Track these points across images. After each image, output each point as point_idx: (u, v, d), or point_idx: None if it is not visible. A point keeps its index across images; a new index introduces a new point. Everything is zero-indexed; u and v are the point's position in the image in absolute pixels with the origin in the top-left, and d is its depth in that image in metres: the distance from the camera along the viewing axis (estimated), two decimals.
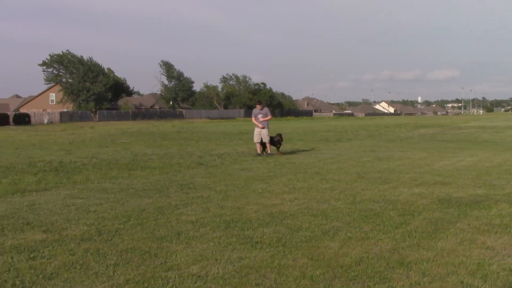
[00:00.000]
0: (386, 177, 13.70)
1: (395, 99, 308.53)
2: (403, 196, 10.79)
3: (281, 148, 21.70)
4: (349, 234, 7.58)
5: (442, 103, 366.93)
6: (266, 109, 21.66)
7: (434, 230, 7.82)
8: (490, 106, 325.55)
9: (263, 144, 21.02)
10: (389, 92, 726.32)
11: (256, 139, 20.99)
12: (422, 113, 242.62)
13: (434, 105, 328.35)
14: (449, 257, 6.53)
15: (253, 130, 21.31)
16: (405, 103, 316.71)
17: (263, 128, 20.84)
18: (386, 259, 6.44)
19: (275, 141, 21.38)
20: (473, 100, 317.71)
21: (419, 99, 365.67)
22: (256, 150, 21.15)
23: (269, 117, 21.47)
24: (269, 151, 20.98)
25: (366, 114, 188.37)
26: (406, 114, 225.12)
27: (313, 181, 13.17)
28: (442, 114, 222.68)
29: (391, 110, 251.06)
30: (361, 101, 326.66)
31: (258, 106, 21.67)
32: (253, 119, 21.57)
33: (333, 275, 5.89)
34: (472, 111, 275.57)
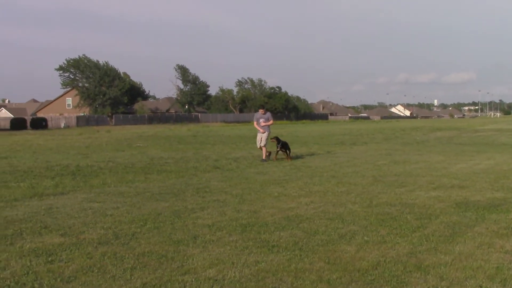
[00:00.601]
0: (402, 181, 13.64)
1: (411, 102, 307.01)
2: (420, 199, 10.74)
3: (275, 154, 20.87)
4: (366, 238, 7.56)
5: (458, 106, 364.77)
6: (268, 114, 21.46)
7: (452, 234, 7.78)
8: (507, 109, 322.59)
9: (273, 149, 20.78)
10: (405, 95, 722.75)
11: (259, 143, 20.83)
12: (438, 116, 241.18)
13: (450, 108, 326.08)
14: (467, 261, 6.49)
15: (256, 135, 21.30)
16: (421, 106, 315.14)
17: (263, 132, 20.65)
18: (403, 263, 6.41)
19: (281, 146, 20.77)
20: (490, 102, 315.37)
21: (435, 102, 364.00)
22: (263, 155, 20.72)
23: (271, 122, 21.23)
24: (263, 157, 20.42)
25: (382, 117, 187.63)
26: (422, 117, 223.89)
27: (329, 184, 13.14)
28: (458, 117, 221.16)
29: (407, 113, 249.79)
30: (377, 104, 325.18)
31: (261, 111, 21.45)
32: (254, 123, 21.35)
33: (350, 279, 5.87)
34: (489, 113, 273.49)
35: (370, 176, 14.73)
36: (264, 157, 20.36)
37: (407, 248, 7.04)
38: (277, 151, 20.62)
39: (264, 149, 20.53)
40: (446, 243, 7.29)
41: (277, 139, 20.63)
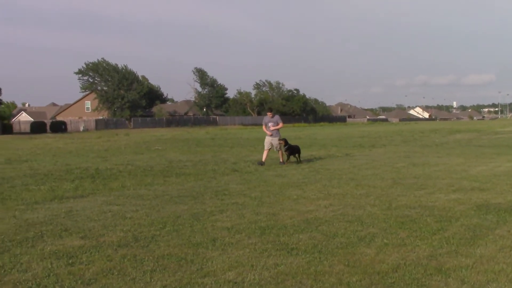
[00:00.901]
0: (422, 183, 13.56)
1: (430, 104, 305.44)
2: (440, 202, 10.66)
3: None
4: (385, 241, 7.52)
5: (478, 108, 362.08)
6: (277, 117, 20.90)
7: (473, 237, 7.71)
8: None
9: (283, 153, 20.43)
10: (424, 97, 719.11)
11: (267, 146, 20.43)
12: (457, 118, 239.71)
13: (469, 110, 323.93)
14: (489, 264, 6.43)
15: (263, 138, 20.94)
16: (440, 108, 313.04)
17: (271, 135, 20.32)
18: (423, 266, 6.37)
19: (290, 149, 20.56)
20: (510, 104, 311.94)
21: (455, 104, 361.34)
22: (262, 157, 20.27)
23: (280, 125, 20.66)
24: (281, 160, 20.22)
25: (400, 120, 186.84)
26: (441, 119, 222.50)
27: (348, 187, 13.10)
28: (478, 119, 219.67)
29: (426, 115, 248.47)
30: (395, 106, 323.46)
31: (269, 114, 20.96)
32: (263, 127, 20.95)
33: (370, 282, 5.85)
34: (509, 115, 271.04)
35: (389, 178, 14.66)
36: (281, 160, 20.19)
37: (427, 251, 6.99)
38: (287, 156, 20.34)
39: (280, 153, 20.34)
40: (467, 245, 7.23)
41: (285, 141, 20.32)
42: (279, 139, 20.23)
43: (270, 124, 20.49)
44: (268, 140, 20.35)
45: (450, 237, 7.66)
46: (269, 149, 20.32)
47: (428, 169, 17.14)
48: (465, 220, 8.85)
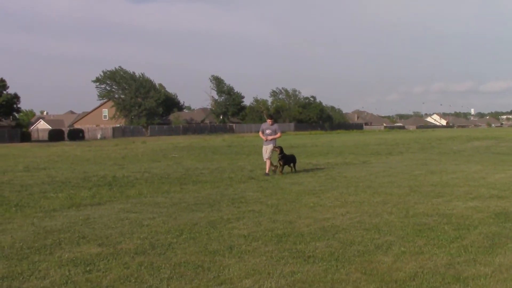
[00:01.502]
0: (439, 191, 13.47)
1: (447, 112, 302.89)
2: (458, 210, 10.59)
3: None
4: (402, 249, 7.48)
5: (496, 115, 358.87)
6: (276, 126, 19.77)
7: (491, 245, 7.64)
8: None
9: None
10: (441, 105, 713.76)
11: (263, 157, 19.57)
12: (475, 125, 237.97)
13: (488, 117, 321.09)
14: (508, 273, 6.37)
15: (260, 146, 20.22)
16: (457, 115, 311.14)
17: (266, 140, 19.34)
18: (441, 274, 6.32)
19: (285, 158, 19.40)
20: None
21: (472, 111, 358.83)
22: (266, 169, 19.17)
23: (278, 135, 19.56)
24: (267, 170, 18.93)
25: (418, 127, 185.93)
26: (458, 126, 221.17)
27: (365, 194, 13.05)
28: (496, 126, 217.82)
29: (443, 122, 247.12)
30: (412, 113, 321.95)
31: (269, 121, 19.92)
32: (260, 133, 19.95)
33: None
34: None
35: (406, 186, 14.58)
36: (267, 171, 18.89)
37: (445, 259, 6.95)
38: (281, 165, 19.07)
39: (268, 162, 19.11)
40: (485, 254, 7.17)
41: (281, 150, 19.14)
42: (274, 147, 19.18)
43: (267, 131, 19.46)
44: (264, 149, 19.46)
45: (468, 246, 7.60)
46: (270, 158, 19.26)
47: (446, 176, 17.04)
48: (484, 228, 8.78)
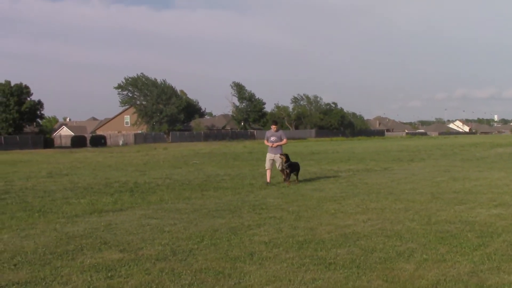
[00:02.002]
0: (462, 198, 13.35)
1: (470, 118, 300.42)
2: (481, 217, 10.47)
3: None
4: (424, 256, 7.42)
5: None
6: (281, 132, 18.87)
7: None
8: None
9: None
10: (464, 111, 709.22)
11: (268, 165, 18.20)
12: (498, 132, 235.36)
13: (511, 124, 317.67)
14: None
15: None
16: (480, 121, 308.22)
17: (272, 145, 18.21)
18: (464, 282, 6.26)
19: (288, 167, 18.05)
20: None
21: (496, 118, 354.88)
22: (266, 178, 18.21)
23: (284, 141, 18.61)
24: (268, 180, 18.02)
25: (440, 133, 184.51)
26: (481, 133, 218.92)
27: (386, 201, 12.97)
28: None
29: (466, 129, 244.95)
30: (434, 120, 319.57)
31: (273, 128, 18.85)
32: (265, 141, 18.81)
33: None
34: None
35: (428, 193, 14.47)
36: (268, 180, 17.98)
37: (468, 267, 6.87)
38: (287, 173, 17.88)
39: (268, 172, 18.17)
40: (509, 262, 7.08)
41: (287, 157, 18.08)
42: (280, 154, 18.07)
43: (272, 138, 18.36)
44: (269, 157, 18.23)
45: (491, 253, 7.51)
46: (271, 168, 18.16)
47: (469, 183, 16.88)
48: (508, 236, 8.67)
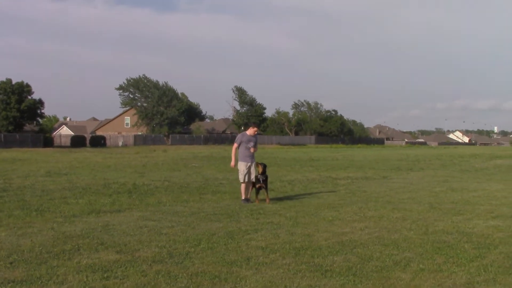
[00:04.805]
0: (460, 209, 13.34)
1: (470, 129, 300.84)
2: (478, 228, 10.47)
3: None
4: (421, 266, 7.41)
5: None
6: (257, 137, 15.41)
7: None
8: None
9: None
10: (464, 122, 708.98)
11: (244, 177, 14.63)
12: (498, 143, 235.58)
13: (511, 135, 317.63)
14: None
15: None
16: (480, 132, 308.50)
17: (250, 149, 14.81)
18: None
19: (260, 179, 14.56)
20: None
21: (496, 129, 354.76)
22: (241, 193, 14.76)
23: (256, 148, 15.17)
24: (248, 195, 14.63)
25: (439, 143, 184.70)
26: (481, 144, 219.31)
27: (384, 210, 12.97)
28: None
29: (466, 139, 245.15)
30: (434, 130, 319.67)
31: (254, 130, 15.17)
32: (235, 146, 15.23)
33: None
34: None
35: (426, 203, 14.47)
36: (248, 196, 14.67)
37: (464, 278, 6.87)
38: (259, 186, 14.48)
39: (244, 186, 14.67)
40: (505, 274, 7.07)
41: (264, 167, 14.98)
42: (259, 163, 14.95)
43: (251, 143, 14.83)
44: (244, 166, 14.66)
45: (488, 265, 7.50)
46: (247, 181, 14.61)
47: (467, 194, 16.88)
48: (504, 248, 8.67)
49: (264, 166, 14.98)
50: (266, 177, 14.75)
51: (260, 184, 14.44)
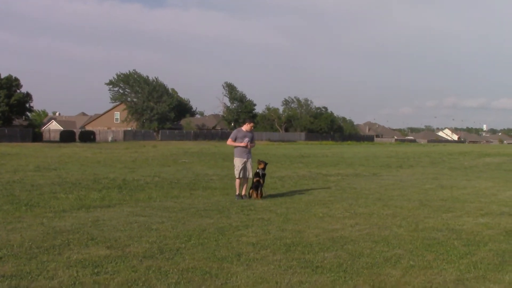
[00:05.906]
0: (449, 206, 13.40)
1: (459, 127, 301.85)
2: (468, 225, 10.51)
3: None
4: (411, 262, 7.44)
5: (508, 132, 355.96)
6: (253, 133, 15.50)
7: (501, 262, 7.58)
8: None
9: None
10: (453, 119, 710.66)
11: (240, 173, 14.68)
12: (487, 141, 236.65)
13: (500, 134, 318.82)
14: None
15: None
16: (469, 130, 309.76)
17: (245, 146, 14.85)
18: None
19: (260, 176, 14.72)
20: None
21: (485, 127, 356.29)
22: (236, 188, 14.72)
23: (254, 144, 15.43)
24: (242, 192, 14.69)
25: (429, 141, 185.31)
26: (470, 141, 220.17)
27: (374, 207, 13.00)
28: (508, 143, 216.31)
29: (455, 137, 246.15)
30: (424, 127, 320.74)
31: (250, 126, 15.28)
32: (230, 141, 15.29)
33: None
34: None
35: (416, 200, 14.52)
36: (242, 192, 14.71)
37: (454, 274, 6.90)
38: (257, 180, 14.65)
39: (238, 181, 14.66)
40: (495, 271, 7.11)
41: (265, 165, 15.09)
42: (260, 161, 15.16)
43: (246, 139, 14.88)
44: (241, 162, 14.70)
45: (478, 262, 7.54)
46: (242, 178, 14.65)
47: (456, 192, 16.95)
48: (494, 245, 8.71)
49: (265, 164, 15.14)
50: (265, 175, 14.98)
51: (258, 178, 14.60)
